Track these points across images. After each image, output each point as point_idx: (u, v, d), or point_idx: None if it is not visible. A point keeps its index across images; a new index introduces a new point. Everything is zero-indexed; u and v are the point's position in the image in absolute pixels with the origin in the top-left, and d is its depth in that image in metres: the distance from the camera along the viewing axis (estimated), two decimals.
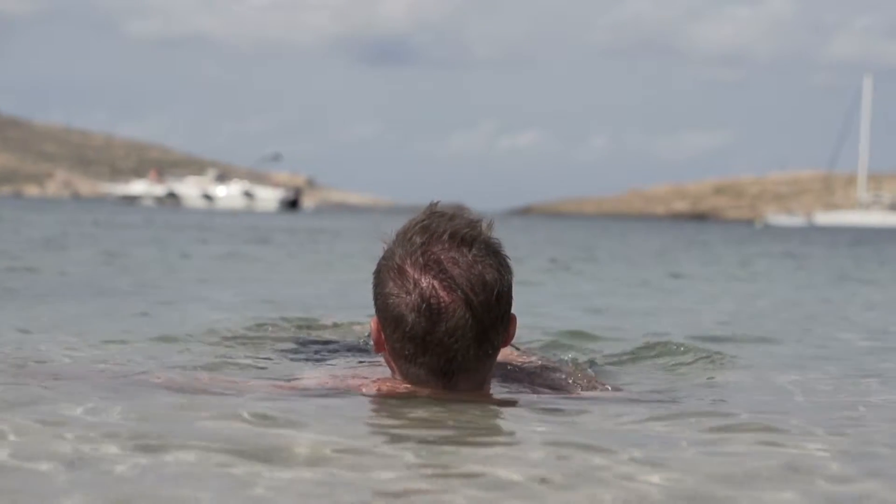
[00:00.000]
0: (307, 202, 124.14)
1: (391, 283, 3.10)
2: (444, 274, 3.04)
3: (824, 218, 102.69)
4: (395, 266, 3.10)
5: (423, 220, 3.14)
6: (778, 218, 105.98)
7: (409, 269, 3.07)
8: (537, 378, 3.65)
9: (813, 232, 64.60)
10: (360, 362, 3.81)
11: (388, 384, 3.27)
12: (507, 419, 3.09)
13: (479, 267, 3.06)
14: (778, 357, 5.37)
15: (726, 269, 17.53)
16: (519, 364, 3.79)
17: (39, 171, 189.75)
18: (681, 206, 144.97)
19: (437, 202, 3.21)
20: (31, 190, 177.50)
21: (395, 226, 3.17)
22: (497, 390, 3.32)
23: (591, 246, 27.53)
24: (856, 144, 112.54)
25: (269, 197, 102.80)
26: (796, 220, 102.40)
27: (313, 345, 4.73)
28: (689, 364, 4.71)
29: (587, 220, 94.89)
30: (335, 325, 5.61)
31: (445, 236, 3.08)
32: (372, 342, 3.27)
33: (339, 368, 3.75)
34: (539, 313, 7.30)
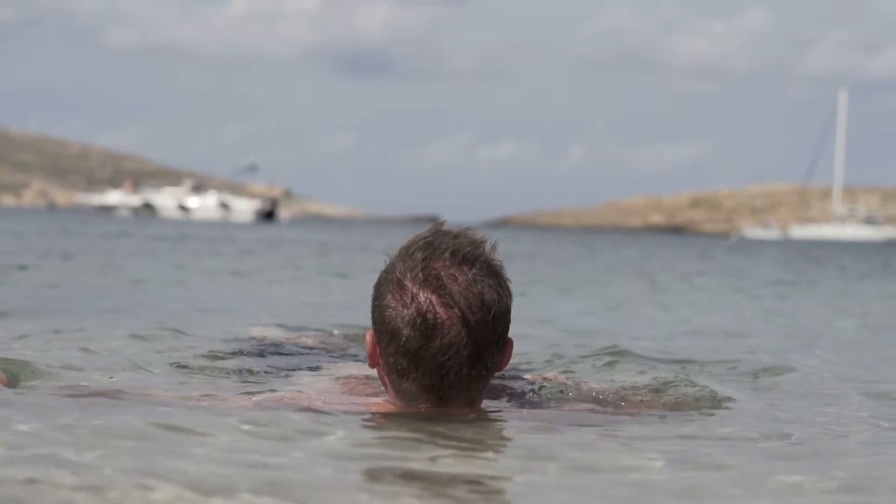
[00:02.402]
0: (284, 213, 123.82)
1: (389, 296, 3.09)
2: (442, 290, 3.03)
3: (800, 231, 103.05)
4: (395, 279, 3.10)
5: (427, 237, 3.14)
6: (754, 231, 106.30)
7: (409, 284, 3.06)
8: (527, 395, 3.65)
9: (790, 246, 64.66)
10: (350, 376, 3.80)
11: (379, 402, 3.26)
12: (502, 439, 3.09)
13: (479, 286, 3.05)
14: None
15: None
16: (506, 381, 3.79)
17: (15, 181, 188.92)
18: (657, 218, 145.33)
19: (443, 221, 3.21)
20: (7, 200, 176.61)
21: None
22: (487, 408, 3.30)
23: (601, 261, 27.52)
24: (832, 158, 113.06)
25: (244, 208, 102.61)
26: (772, 234, 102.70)
27: (301, 354, 4.71)
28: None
29: (567, 232, 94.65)
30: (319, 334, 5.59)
31: (447, 253, 3.08)
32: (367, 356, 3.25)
33: (329, 383, 3.73)
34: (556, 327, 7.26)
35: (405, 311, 3.05)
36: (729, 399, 3.91)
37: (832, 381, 4.77)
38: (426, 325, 3.03)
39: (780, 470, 2.78)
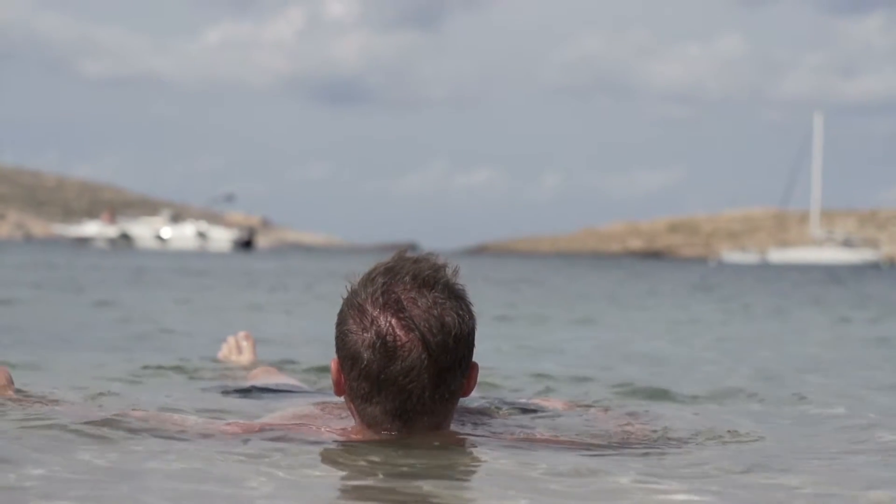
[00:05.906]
0: (262, 242, 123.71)
1: (351, 321, 3.10)
2: (402, 313, 3.04)
3: (778, 255, 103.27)
4: (357, 304, 3.10)
5: (389, 263, 3.15)
6: (732, 255, 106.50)
7: (369, 308, 3.07)
8: (501, 422, 3.63)
9: (771, 269, 64.85)
10: (321, 401, 3.77)
11: (345, 429, 3.23)
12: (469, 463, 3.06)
13: (439, 309, 3.06)
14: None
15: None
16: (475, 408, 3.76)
17: None
18: (635, 243, 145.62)
19: (407, 248, 3.22)
20: None
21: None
22: (454, 434, 3.27)
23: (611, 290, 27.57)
24: (808, 182, 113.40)
25: (222, 237, 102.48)
26: (750, 258, 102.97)
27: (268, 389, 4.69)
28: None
29: (547, 259, 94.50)
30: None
31: (407, 277, 3.09)
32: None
33: (297, 408, 3.70)
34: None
35: (366, 334, 3.06)
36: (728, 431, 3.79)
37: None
38: (386, 348, 3.03)
39: None
